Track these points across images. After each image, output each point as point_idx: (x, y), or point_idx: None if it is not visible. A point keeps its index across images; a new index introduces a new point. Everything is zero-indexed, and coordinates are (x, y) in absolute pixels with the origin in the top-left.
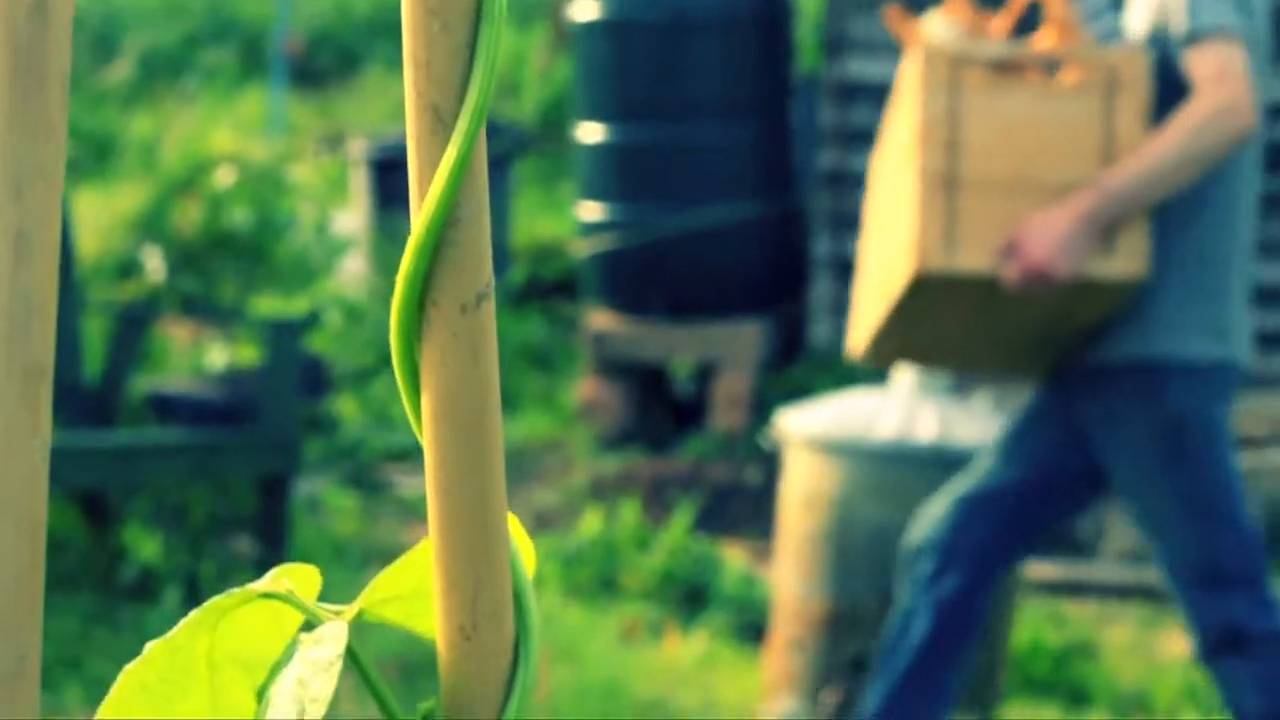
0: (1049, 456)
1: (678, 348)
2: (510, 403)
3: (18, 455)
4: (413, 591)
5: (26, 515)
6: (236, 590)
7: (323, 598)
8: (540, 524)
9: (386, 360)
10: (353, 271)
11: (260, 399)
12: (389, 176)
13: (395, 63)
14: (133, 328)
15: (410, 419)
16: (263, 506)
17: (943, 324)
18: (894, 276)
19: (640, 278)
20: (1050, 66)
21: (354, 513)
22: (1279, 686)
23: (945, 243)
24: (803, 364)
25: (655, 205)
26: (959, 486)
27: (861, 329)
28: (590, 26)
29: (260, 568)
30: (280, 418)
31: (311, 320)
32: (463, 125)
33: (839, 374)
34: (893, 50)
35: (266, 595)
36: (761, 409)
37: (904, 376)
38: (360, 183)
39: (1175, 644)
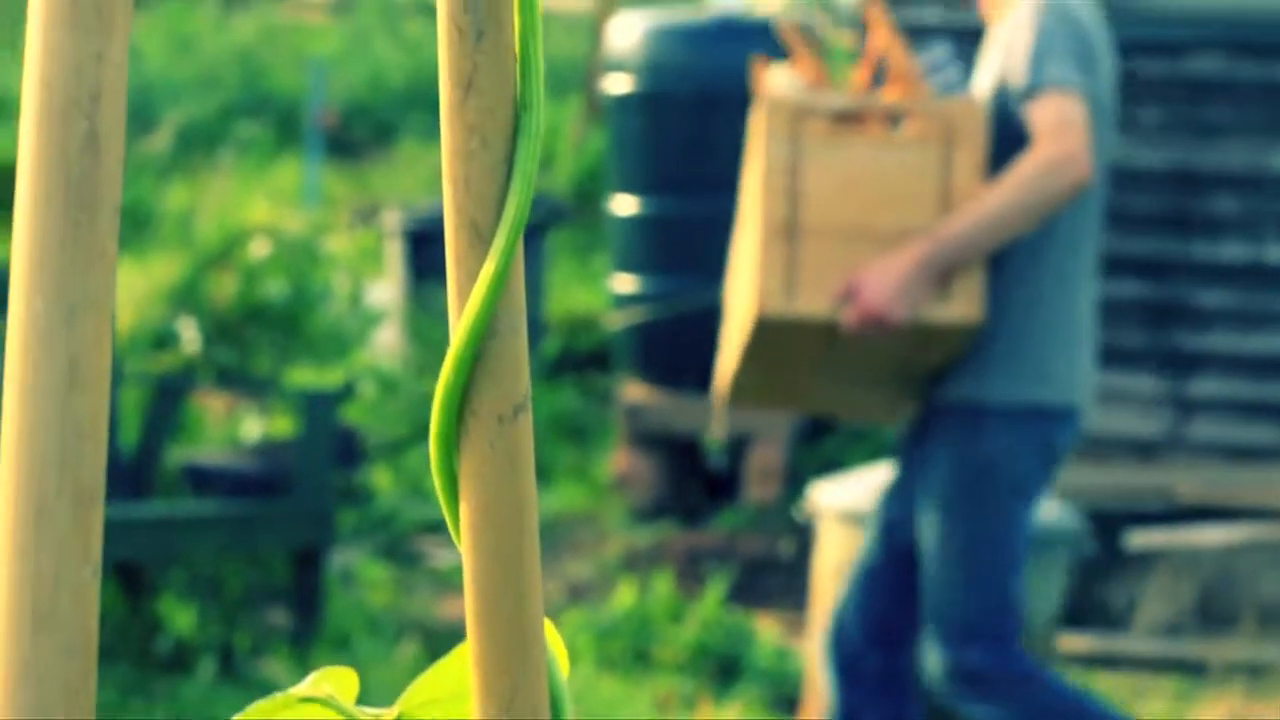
0: (908, 516)
1: (711, 420)
2: (544, 474)
3: (68, 580)
4: (451, 695)
5: (78, 638)
6: (278, 695)
7: (358, 670)
8: (574, 596)
9: (421, 432)
10: (387, 343)
11: (295, 470)
12: (423, 248)
13: (429, 134)
14: (168, 399)
15: (449, 526)
16: (297, 578)
17: (795, 366)
18: (743, 319)
19: (673, 350)
20: (892, 118)
21: (388, 584)
22: None
23: (785, 287)
24: (835, 436)
25: (688, 278)
26: (855, 563)
27: (724, 371)
28: (624, 100)
29: (295, 639)
30: (315, 489)
31: (346, 391)
32: (501, 241)
33: (871, 446)
34: None
35: (307, 699)
36: (794, 481)
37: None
38: (394, 254)
39: (1210, 717)
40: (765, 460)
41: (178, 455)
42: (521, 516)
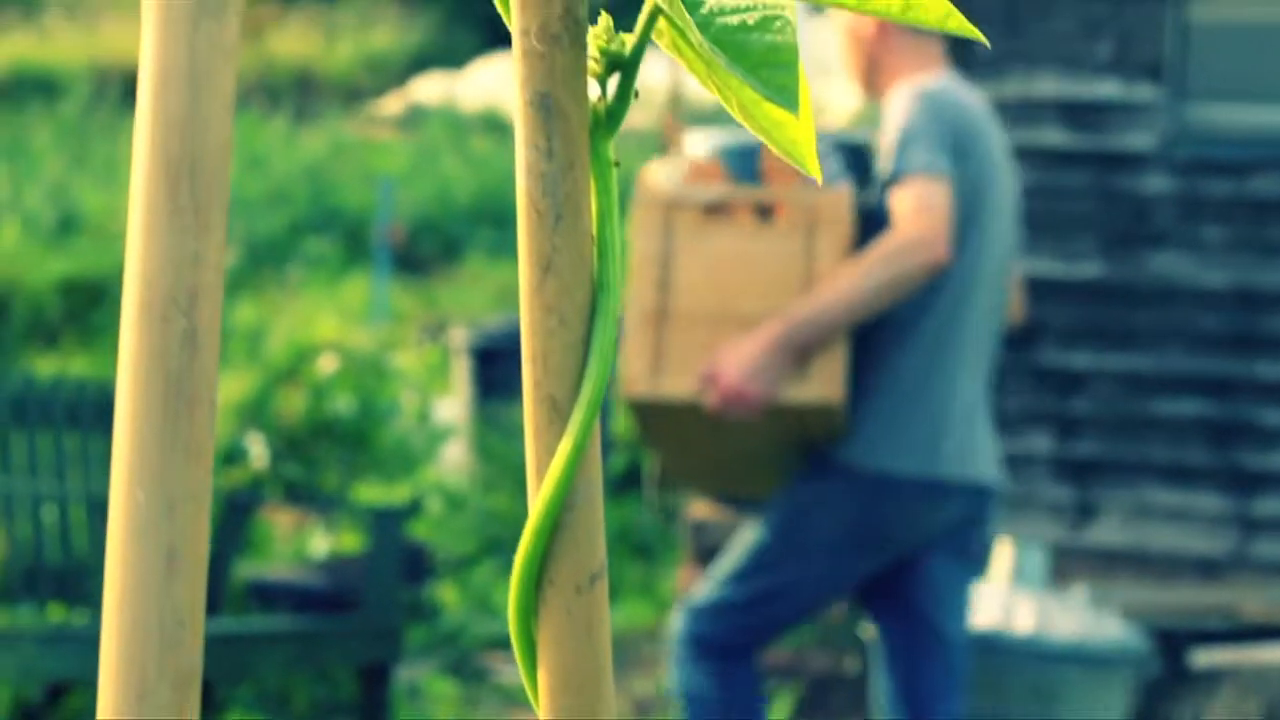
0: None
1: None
2: (610, 590)
3: None
4: None
5: None
6: None
7: None
8: (640, 712)
9: (488, 548)
10: (454, 459)
11: (362, 586)
12: (490, 365)
13: (496, 251)
14: (237, 514)
15: (527, 689)
16: (364, 694)
17: (695, 448)
18: None
19: None
20: (761, 209)
21: (455, 700)
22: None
23: (651, 370)
24: None
25: None
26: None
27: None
28: None
29: None
30: (382, 605)
31: (413, 508)
32: (578, 416)
33: None
34: None
35: None
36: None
37: (1001, 568)
38: (461, 370)
39: None
40: None
41: (246, 570)
42: (598, 682)
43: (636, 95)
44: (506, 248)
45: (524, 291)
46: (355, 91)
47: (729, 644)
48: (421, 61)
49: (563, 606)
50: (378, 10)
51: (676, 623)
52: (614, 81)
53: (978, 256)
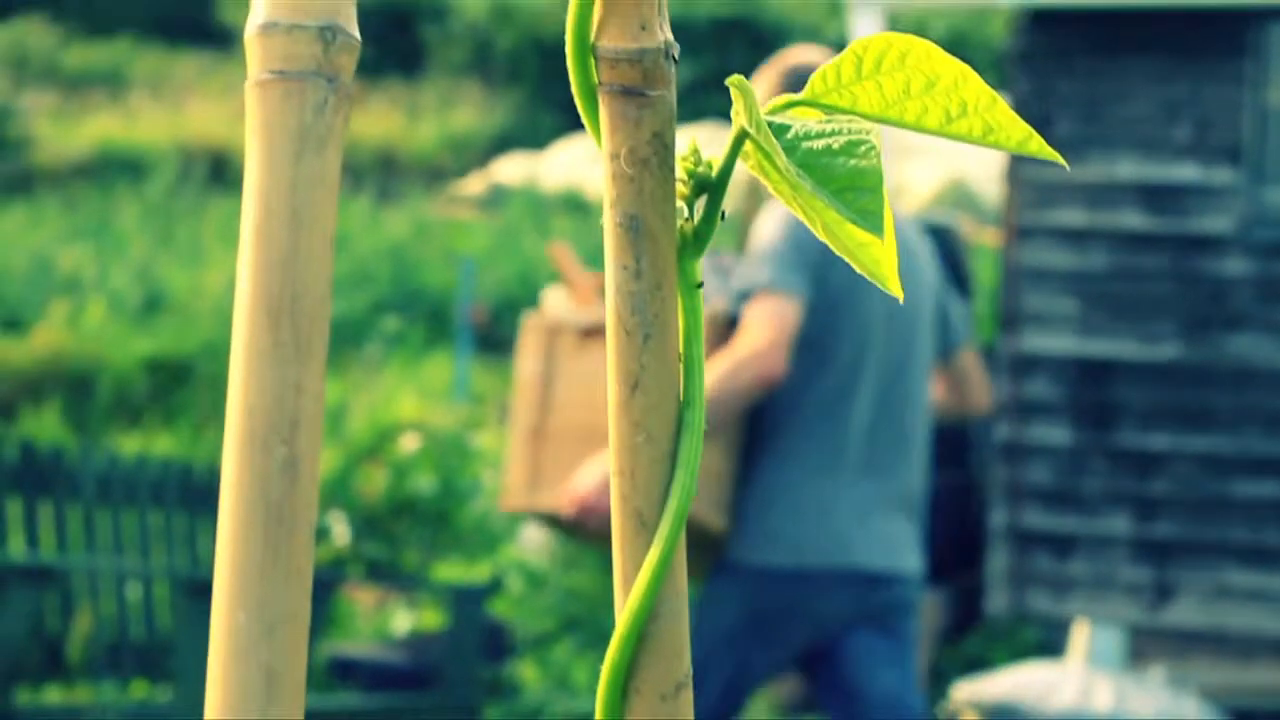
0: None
1: None
2: None
3: None
4: None
5: None
6: None
7: None
8: None
9: (567, 626)
10: (534, 537)
11: (443, 663)
12: None
13: None
14: (319, 592)
15: None
16: None
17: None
18: None
19: None
20: None
21: None
22: None
23: (529, 485)
24: (979, 634)
25: None
26: None
27: None
28: None
29: None
30: (463, 682)
31: (494, 586)
32: (664, 529)
33: (1015, 645)
34: (1070, 324)
35: None
36: (939, 679)
37: (1078, 649)
38: None
39: None
40: None
41: (328, 648)
42: None
43: (723, 216)
44: None
45: (612, 407)
46: (437, 171)
47: None
48: (503, 142)
49: (648, 714)
50: (460, 91)
51: None
52: (701, 203)
53: (858, 363)
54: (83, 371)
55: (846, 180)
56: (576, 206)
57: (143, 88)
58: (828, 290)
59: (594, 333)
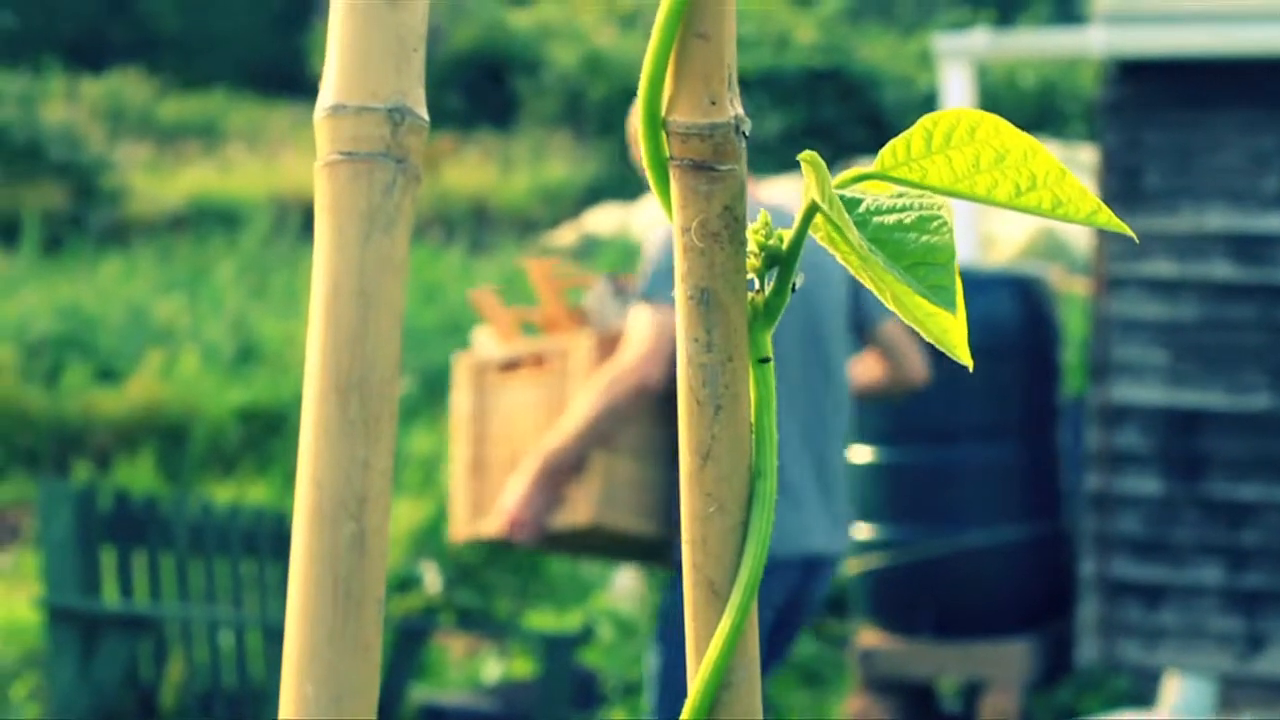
0: None
1: (945, 666)
2: (776, 713)
3: None
4: None
5: None
6: None
7: None
8: None
9: None
10: (625, 586)
11: (535, 712)
12: None
13: None
14: (411, 640)
15: None
16: None
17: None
18: None
19: (909, 597)
20: (539, 360)
21: None
22: None
23: (472, 515)
24: (1069, 684)
25: (924, 526)
26: None
27: None
28: None
29: None
30: None
31: (584, 634)
32: (736, 599)
33: (1106, 694)
34: (1160, 375)
35: None
36: None
37: (1170, 697)
38: None
39: None
40: (999, 707)
41: (419, 696)
42: None
43: (794, 288)
44: None
45: (684, 477)
46: (529, 222)
47: None
48: (594, 193)
49: None
50: (552, 142)
51: None
52: (771, 275)
53: (781, 356)
54: (177, 421)
55: (919, 255)
56: None
57: (237, 139)
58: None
59: (514, 365)
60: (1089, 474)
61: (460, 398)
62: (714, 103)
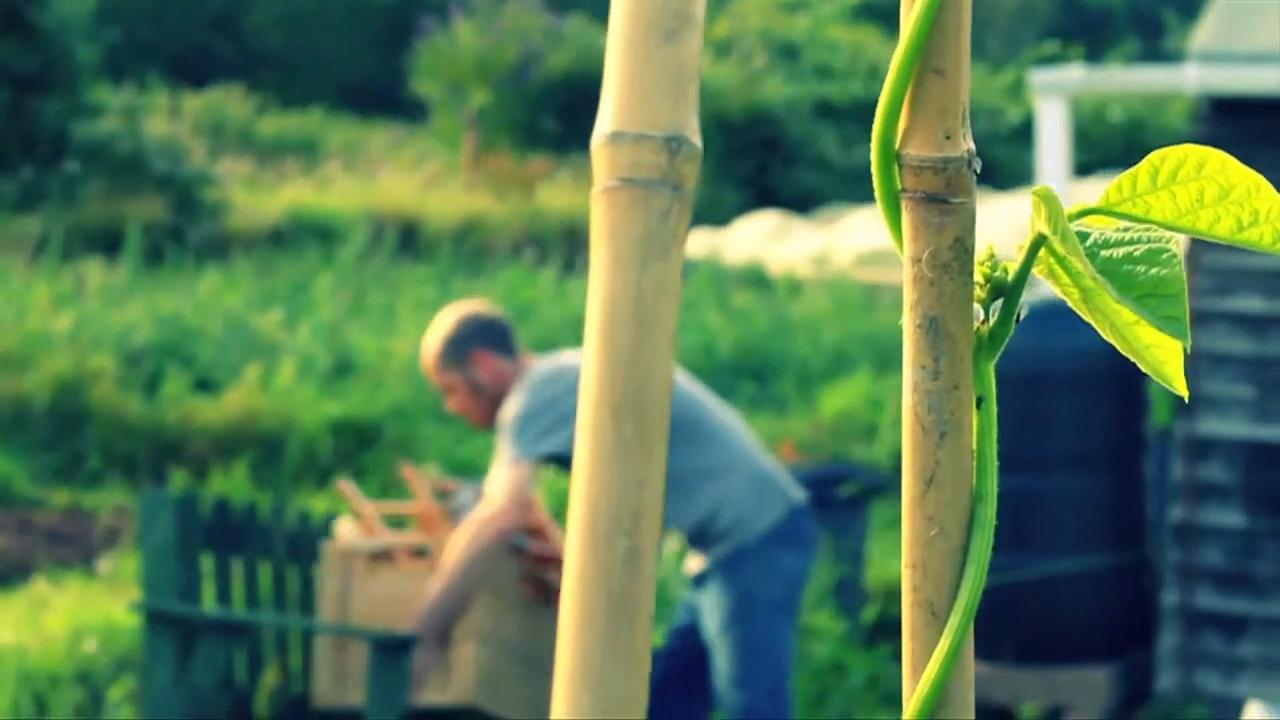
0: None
1: (1027, 691)
2: None
3: None
4: None
5: None
6: None
7: None
8: None
9: None
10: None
11: None
12: None
13: (756, 403)
14: None
15: None
16: None
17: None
18: None
19: (991, 621)
20: (416, 552)
21: None
22: None
23: (337, 685)
24: (1149, 712)
25: (1010, 552)
26: None
27: None
28: None
29: None
30: None
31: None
32: (954, 621)
33: None
34: (1245, 409)
35: None
36: None
37: None
38: None
39: None
40: None
41: None
42: None
43: (1019, 319)
44: (766, 401)
45: (906, 501)
46: None
47: None
48: None
49: None
50: None
51: None
52: (996, 306)
53: (690, 407)
54: (272, 432)
55: (1149, 287)
56: (757, 280)
57: (335, 157)
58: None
59: (380, 557)
60: (1173, 505)
61: (328, 580)
62: (948, 137)
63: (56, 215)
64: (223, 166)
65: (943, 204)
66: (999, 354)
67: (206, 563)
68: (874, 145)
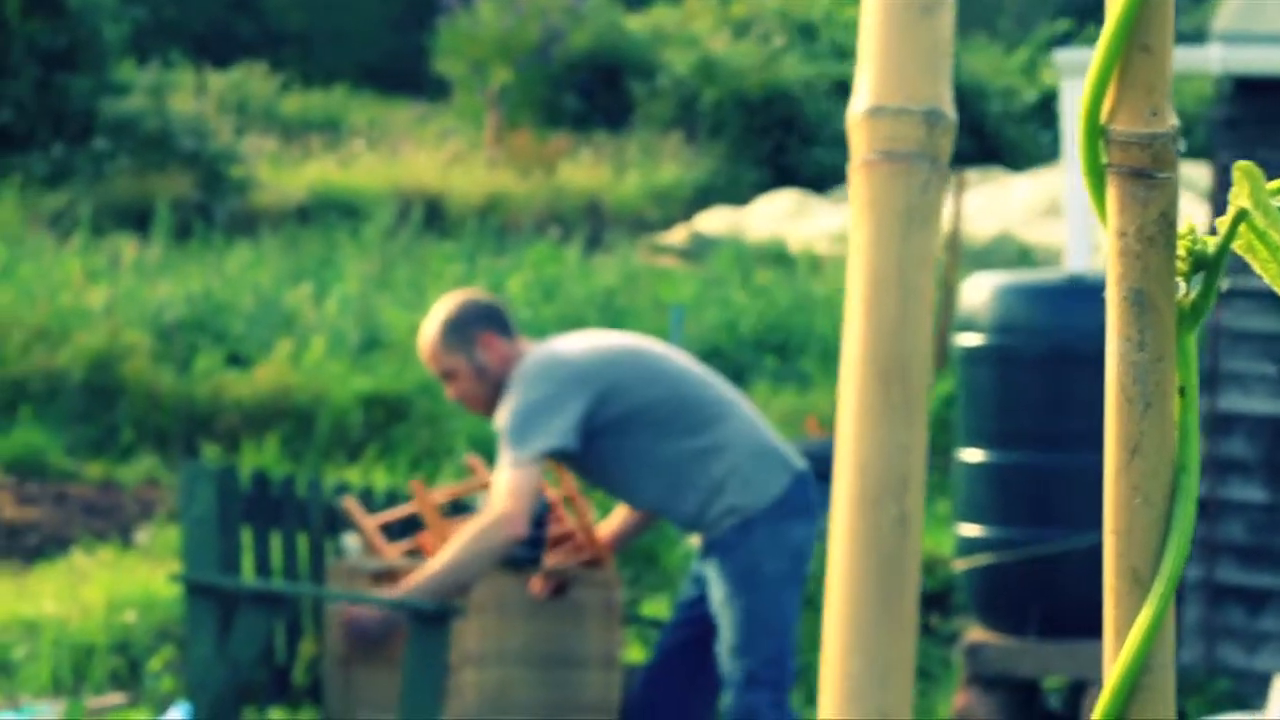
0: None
1: (1050, 664)
2: None
3: None
4: None
5: None
6: None
7: None
8: None
9: None
10: None
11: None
12: None
13: (780, 379)
14: None
15: None
16: None
17: None
18: None
19: (1016, 596)
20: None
21: None
22: None
23: (345, 704)
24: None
25: (1033, 527)
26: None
27: None
28: (975, 354)
29: None
30: None
31: None
32: (1159, 588)
33: (1208, 697)
34: (1267, 386)
35: None
36: None
37: (1277, 699)
38: None
39: None
40: None
41: None
42: None
43: (1219, 293)
44: (791, 377)
45: (1110, 470)
46: (641, 222)
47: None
48: (705, 195)
49: None
50: (664, 145)
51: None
52: (1197, 280)
53: (666, 395)
54: (303, 407)
55: None
56: (779, 258)
57: (358, 135)
58: (617, 378)
59: (383, 577)
60: None
61: (335, 588)
62: (1155, 113)
63: (85, 192)
64: (247, 144)
65: (1148, 179)
66: (1199, 326)
67: (245, 535)
68: (1081, 120)
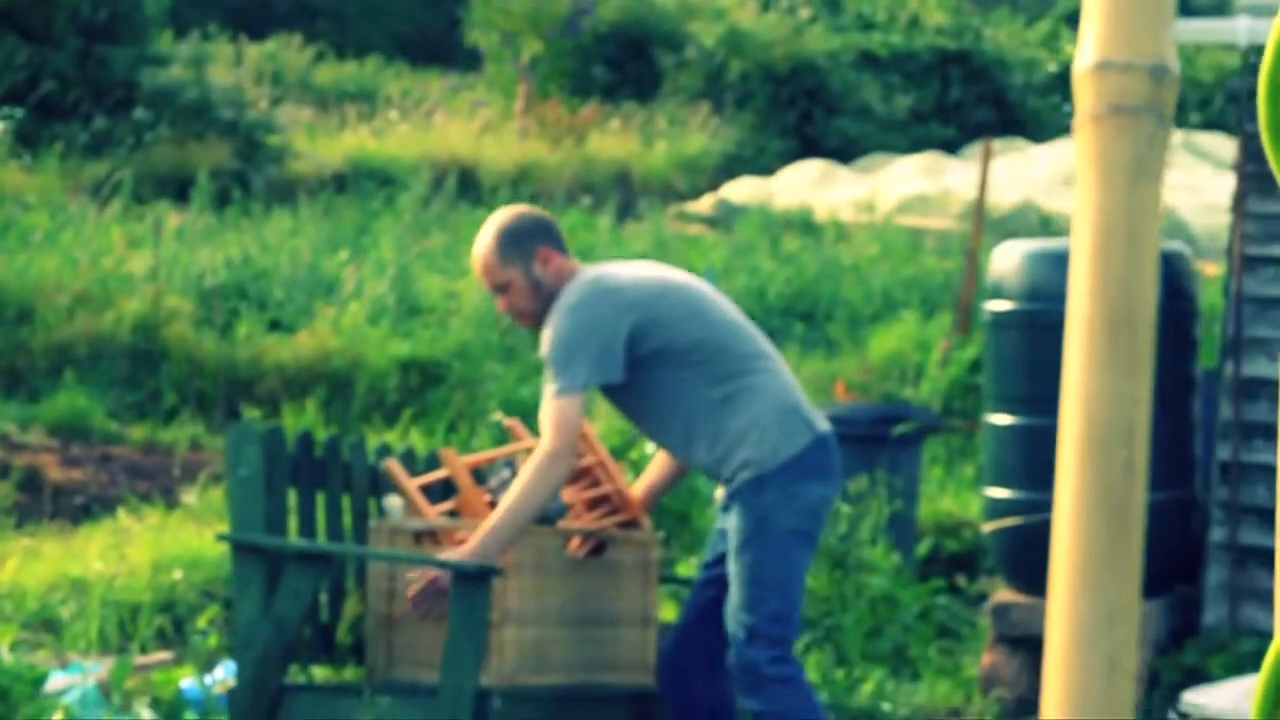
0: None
1: None
2: (911, 667)
3: None
4: None
5: None
6: None
7: None
8: None
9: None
10: None
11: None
12: None
13: (808, 344)
14: None
15: None
16: None
17: None
18: None
19: (1042, 556)
20: (451, 534)
21: None
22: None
23: (387, 663)
24: (1196, 646)
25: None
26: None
27: None
28: (1003, 319)
29: None
30: None
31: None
32: None
33: (1231, 656)
34: None
35: None
36: (1155, 686)
37: None
38: None
39: None
40: None
41: None
42: None
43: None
44: (819, 343)
45: None
46: (670, 191)
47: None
48: (731, 165)
49: None
50: (692, 115)
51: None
52: None
53: (703, 337)
54: (342, 371)
55: None
56: (805, 226)
57: (392, 105)
58: (660, 313)
59: (425, 536)
60: (1221, 444)
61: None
62: None
63: (126, 161)
64: (284, 114)
65: None
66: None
67: (290, 496)
68: (1262, 81)
